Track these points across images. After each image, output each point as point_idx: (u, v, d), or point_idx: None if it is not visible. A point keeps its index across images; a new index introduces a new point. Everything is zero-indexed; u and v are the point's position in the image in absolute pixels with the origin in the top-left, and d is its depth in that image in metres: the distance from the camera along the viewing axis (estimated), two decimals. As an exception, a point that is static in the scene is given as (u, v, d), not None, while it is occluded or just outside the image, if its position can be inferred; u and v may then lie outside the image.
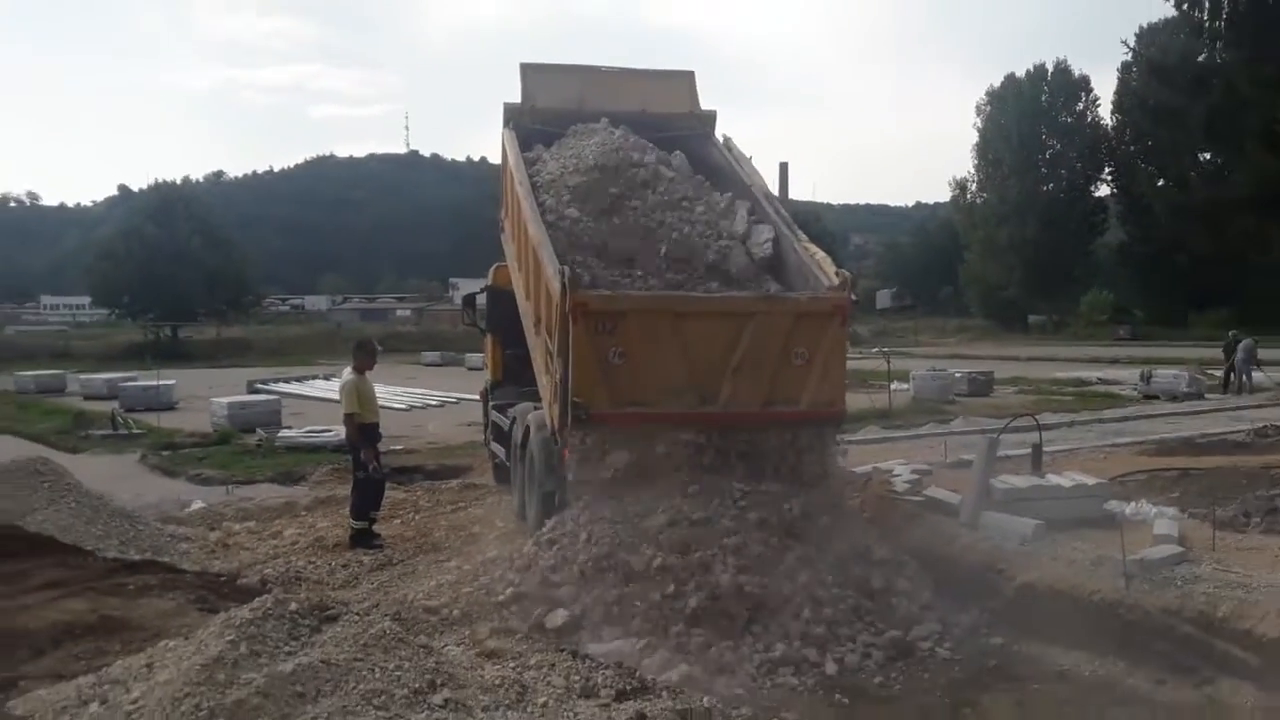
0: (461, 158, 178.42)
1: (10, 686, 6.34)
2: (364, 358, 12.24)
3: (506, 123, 12.13)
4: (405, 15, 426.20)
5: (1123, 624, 7.53)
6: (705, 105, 12.71)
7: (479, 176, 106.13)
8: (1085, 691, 7.04)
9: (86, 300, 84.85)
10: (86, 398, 31.67)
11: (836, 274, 9.24)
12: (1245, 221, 54.72)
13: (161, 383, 29.70)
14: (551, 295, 8.98)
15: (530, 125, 12.07)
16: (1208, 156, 64.83)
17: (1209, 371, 30.20)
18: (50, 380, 37.11)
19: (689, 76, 12.97)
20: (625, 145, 11.06)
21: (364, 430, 11.84)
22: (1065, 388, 30.00)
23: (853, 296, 9.30)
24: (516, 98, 12.40)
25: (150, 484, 16.95)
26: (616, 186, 10.54)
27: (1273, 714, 6.52)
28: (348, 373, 12.16)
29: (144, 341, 59.36)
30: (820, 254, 9.79)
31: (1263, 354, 29.60)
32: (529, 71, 12.57)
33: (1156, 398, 26.73)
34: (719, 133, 12.49)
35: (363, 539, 11.44)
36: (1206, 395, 26.96)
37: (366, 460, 11.69)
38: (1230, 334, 31.31)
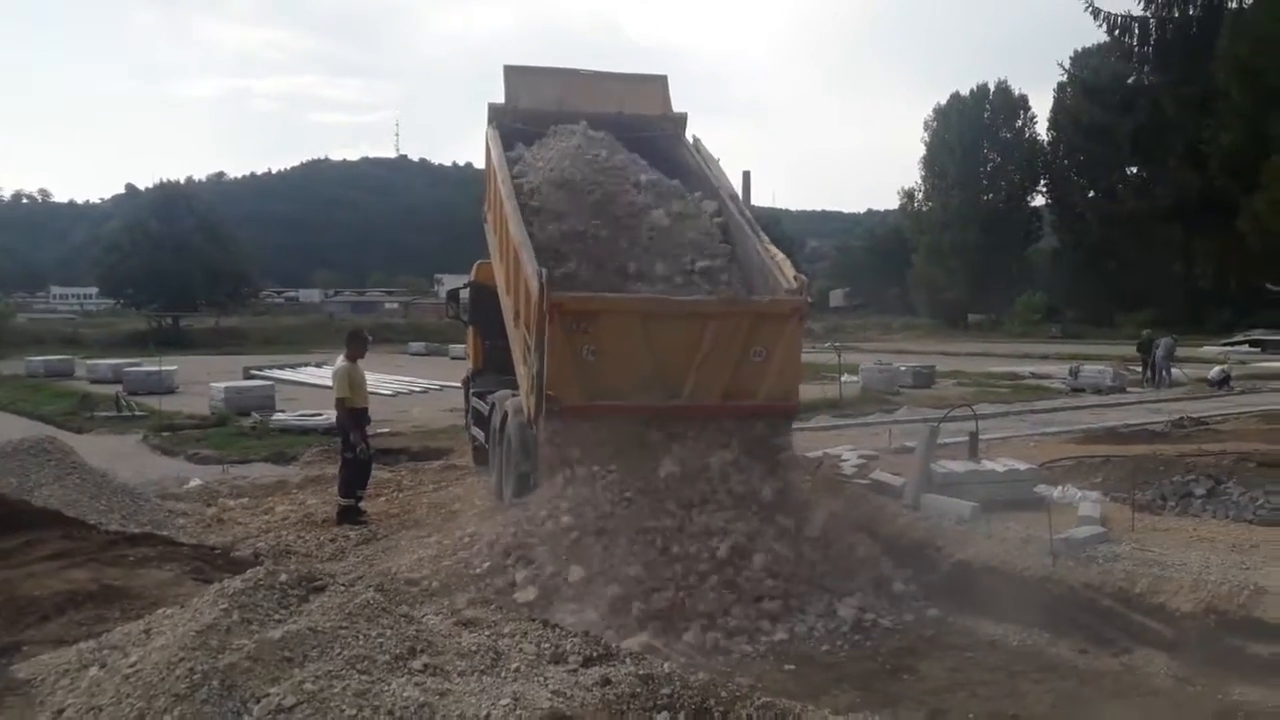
0: (448, 162, 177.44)
1: (14, 651, 6.26)
2: (356, 347, 12.16)
3: (490, 121, 11.97)
4: (397, 30, 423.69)
5: (1049, 598, 7.62)
6: (676, 109, 12.59)
7: (464, 180, 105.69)
8: (1013, 659, 7.11)
9: (94, 290, 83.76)
10: (93, 381, 31.28)
11: (795, 278, 9.22)
12: (1168, 230, 55.33)
13: (163, 368, 29.40)
14: (530, 294, 8.94)
15: (512, 124, 11.92)
16: (1135, 170, 65.49)
17: (1131, 368, 30.51)
18: (59, 365, 36.64)
19: (662, 80, 12.83)
20: (603, 156, 10.97)
21: (354, 414, 11.77)
22: (1000, 381, 30.16)
23: (809, 298, 9.31)
24: (500, 99, 12.24)
25: (151, 463, 16.79)
26: (592, 195, 10.48)
27: (1184, 681, 6.61)
28: (340, 360, 12.06)
29: (147, 330, 58.79)
30: (780, 255, 9.77)
31: (1178, 352, 29.88)
32: (512, 73, 12.42)
33: (1083, 391, 26.94)
34: (689, 134, 12.38)
35: (349, 515, 11.38)
36: (1129, 389, 27.24)
37: (356, 442, 11.63)
38: (1144, 333, 31.58)
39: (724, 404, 8.88)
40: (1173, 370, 29.01)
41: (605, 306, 8.83)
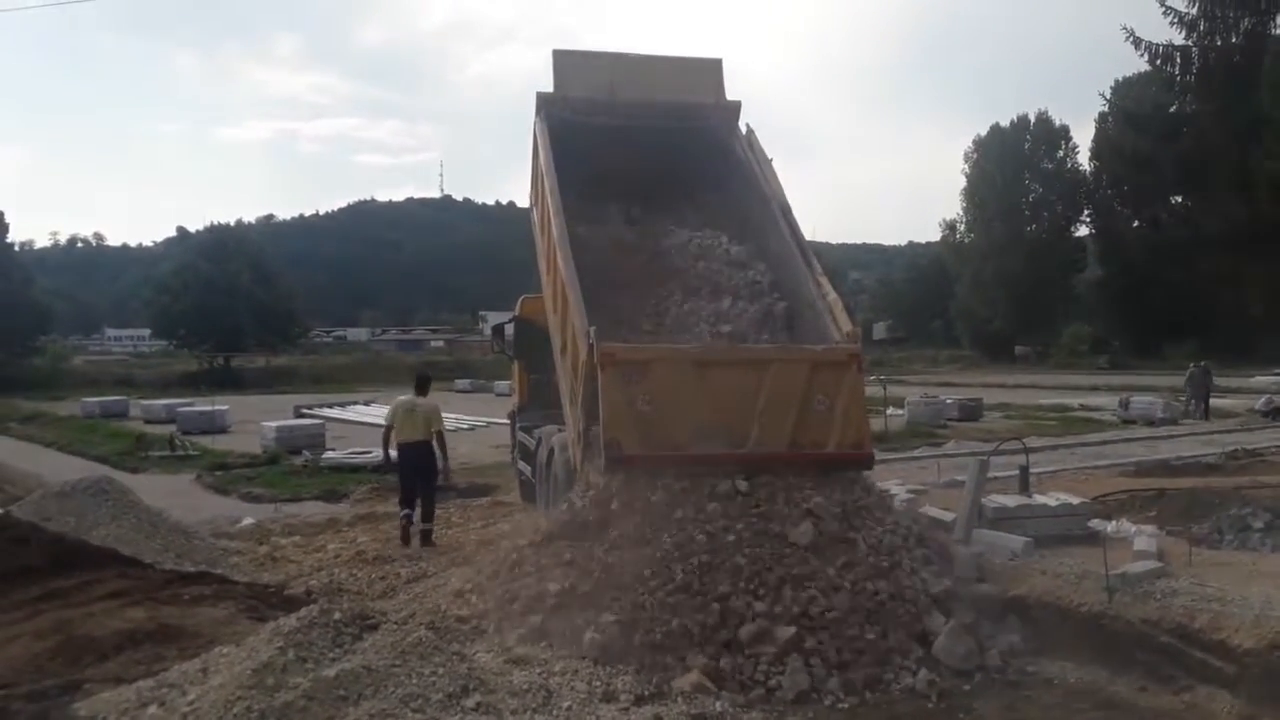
0: (491, 201, 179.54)
1: (75, 689, 6.33)
2: (428, 385, 12.94)
3: (539, 111, 11.65)
4: (439, 72, 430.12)
5: (1106, 634, 7.46)
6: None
7: (507, 218, 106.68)
8: (1071, 697, 6.96)
9: (147, 332, 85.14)
10: (147, 421, 31.77)
11: (848, 334, 9.00)
12: (1214, 260, 54.52)
13: (216, 408, 29.83)
14: (579, 346, 8.83)
15: (562, 114, 11.60)
16: (1179, 200, 64.71)
17: (1181, 399, 30.02)
18: (113, 405, 37.32)
19: (715, 65, 12.24)
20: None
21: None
22: (1049, 413, 29.80)
23: (863, 356, 9.04)
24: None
25: (204, 501, 17.00)
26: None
27: (1249, 719, 6.44)
28: (423, 399, 12.60)
29: (199, 370, 59.71)
30: (833, 295, 9.53)
31: (1230, 383, 29.32)
32: (561, 58, 11.92)
33: (1134, 423, 26.57)
34: (742, 124, 11.94)
35: (427, 538, 12.13)
36: (1180, 420, 26.79)
37: (444, 471, 12.42)
38: (1199, 364, 31.07)
39: (793, 452, 8.55)
40: (1202, 400, 28.55)
41: (656, 356, 8.63)
